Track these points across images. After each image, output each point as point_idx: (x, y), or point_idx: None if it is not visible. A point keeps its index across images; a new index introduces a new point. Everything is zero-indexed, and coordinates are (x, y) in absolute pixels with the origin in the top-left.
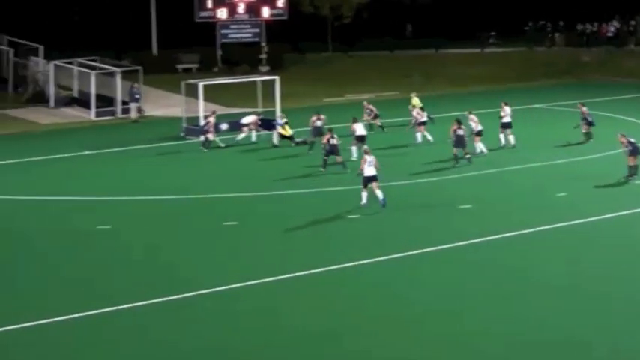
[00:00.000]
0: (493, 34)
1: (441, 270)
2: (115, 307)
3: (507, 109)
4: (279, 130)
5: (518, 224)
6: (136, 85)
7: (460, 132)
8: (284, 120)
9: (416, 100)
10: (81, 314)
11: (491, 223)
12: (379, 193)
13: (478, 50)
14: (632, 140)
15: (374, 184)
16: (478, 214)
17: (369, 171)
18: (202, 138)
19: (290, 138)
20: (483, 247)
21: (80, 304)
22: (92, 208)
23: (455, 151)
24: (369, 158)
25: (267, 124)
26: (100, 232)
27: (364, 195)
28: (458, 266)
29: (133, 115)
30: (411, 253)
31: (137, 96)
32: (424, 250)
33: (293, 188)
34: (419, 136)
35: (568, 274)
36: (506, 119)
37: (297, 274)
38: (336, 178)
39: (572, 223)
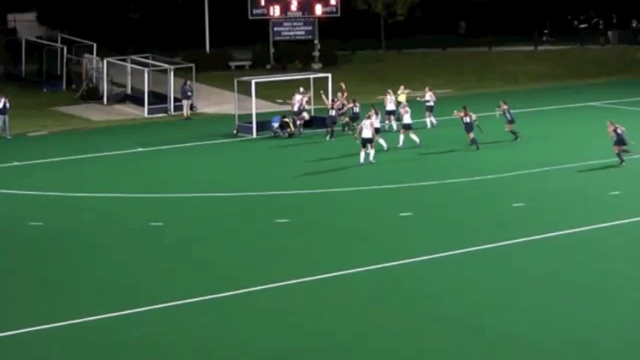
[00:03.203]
0: (546, 31)
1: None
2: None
3: (431, 93)
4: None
5: (567, 223)
6: (188, 82)
7: (619, 131)
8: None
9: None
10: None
11: (541, 222)
12: (372, 152)
13: (531, 48)
14: (619, 131)
15: (369, 145)
16: (530, 213)
17: (366, 133)
18: (298, 123)
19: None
20: (534, 247)
21: (128, 301)
22: (145, 204)
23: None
24: (367, 122)
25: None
26: (152, 229)
27: (362, 155)
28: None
29: (185, 112)
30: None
31: (189, 93)
32: (467, 250)
33: (349, 185)
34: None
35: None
36: (430, 103)
37: (350, 271)
38: (388, 176)
39: (623, 222)
